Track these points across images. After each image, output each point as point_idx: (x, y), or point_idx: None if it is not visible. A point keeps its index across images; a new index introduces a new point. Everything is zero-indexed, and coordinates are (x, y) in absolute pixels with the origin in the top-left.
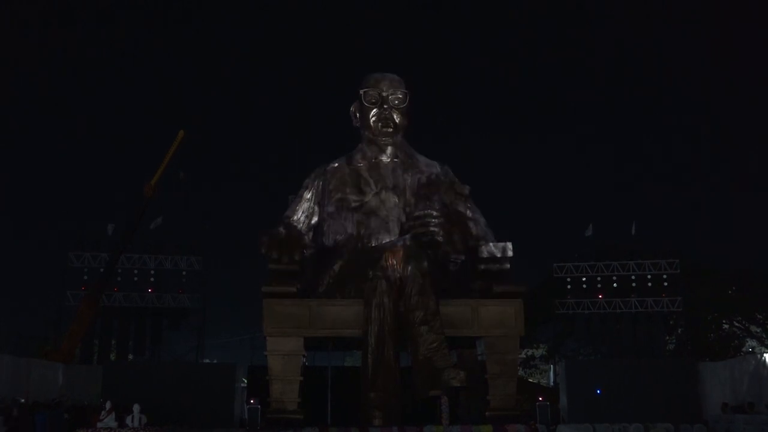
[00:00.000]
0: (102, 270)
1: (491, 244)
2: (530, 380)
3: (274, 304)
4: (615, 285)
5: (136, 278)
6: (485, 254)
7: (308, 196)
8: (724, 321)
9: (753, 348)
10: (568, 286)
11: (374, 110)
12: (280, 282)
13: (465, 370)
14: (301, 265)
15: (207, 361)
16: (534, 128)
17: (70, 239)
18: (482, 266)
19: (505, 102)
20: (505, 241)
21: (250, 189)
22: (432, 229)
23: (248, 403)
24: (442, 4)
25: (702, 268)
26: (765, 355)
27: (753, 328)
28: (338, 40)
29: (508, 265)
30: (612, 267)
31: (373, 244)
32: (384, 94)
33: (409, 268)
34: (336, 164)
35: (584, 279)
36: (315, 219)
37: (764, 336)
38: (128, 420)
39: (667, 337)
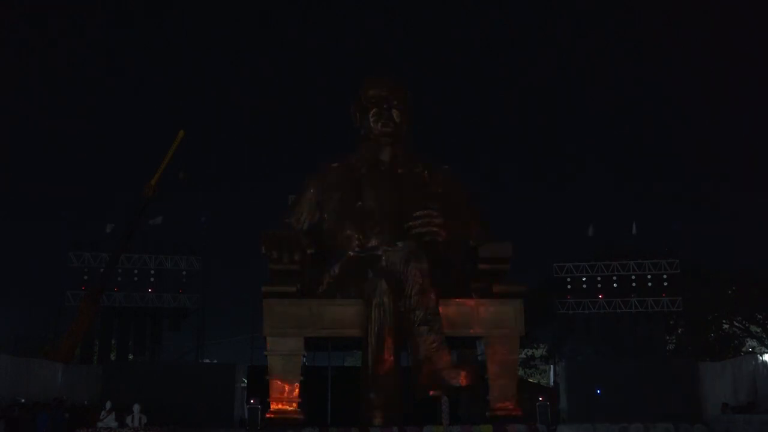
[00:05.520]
0: (102, 270)
1: (491, 244)
2: (530, 380)
3: (274, 304)
4: (615, 285)
5: (136, 278)
6: (485, 254)
7: (309, 196)
8: (724, 321)
9: (753, 348)
10: (568, 286)
11: (374, 110)
12: (280, 282)
13: (465, 370)
14: (302, 265)
15: (207, 361)
16: (534, 128)
17: (70, 239)
18: (482, 266)
19: (507, 103)
20: (505, 241)
21: (250, 189)
22: (432, 229)
23: (248, 403)
24: (443, 5)
25: (702, 268)
26: (765, 355)
27: (753, 328)
28: (338, 40)
29: (508, 265)
30: (612, 267)
31: (373, 244)
32: (384, 93)
33: (409, 268)
34: (336, 164)
35: (584, 279)
36: (315, 219)
37: (764, 336)
38: (128, 420)
39: (667, 337)
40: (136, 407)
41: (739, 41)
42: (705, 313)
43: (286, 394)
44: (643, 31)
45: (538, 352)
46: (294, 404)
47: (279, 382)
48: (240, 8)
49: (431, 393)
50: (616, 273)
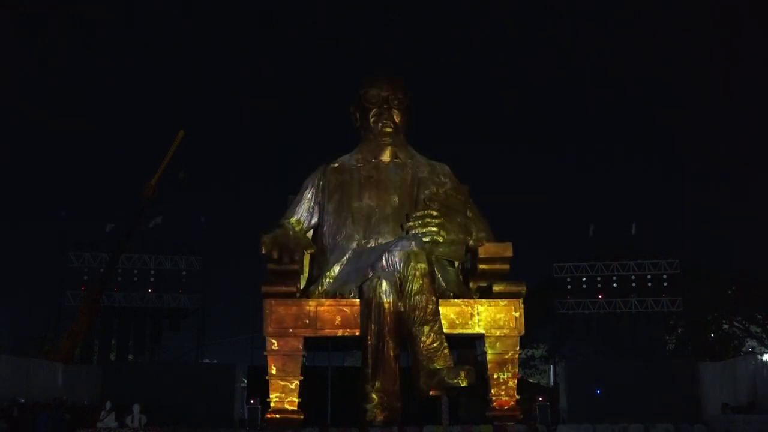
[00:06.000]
0: (102, 270)
1: (491, 244)
2: (530, 380)
3: (274, 304)
4: (615, 285)
5: (136, 278)
6: (485, 254)
7: (308, 195)
8: (724, 321)
9: (753, 348)
10: (568, 286)
11: (374, 110)
12: (280, 282)
13: (465, 370)
14: (302, 265)
15: (207, 361)
16: (534, 129)
17: (69, 239)
18: (482, 266)
19: (507, 103)
20: (505, 241)
21: (250, 189)
22: (432, 229)
23: (248, 403)
24: (443, 5)
25: (702, 268)
26: (765, 355)
27: (753, 328)
28: (338, 40)
29: (508, 265)
30: (612, 267)
31: (373, 244)
32: (384, 93)
33: (409, 268)
34: (336, 164)
35: (584, 279)
36: (315, 219)
37: (764, 336)
38: (128, 420)
39: (667, 337)
40: (136, 407)
41: (739, 41)
42: (705, 313)
43: (286, 395)
44: (643, 31)
45: (538, 352)
46: (294, 404)
47: (279, 382)
48: (240, 8)
49: (431, 393)
50: (616, 273)
